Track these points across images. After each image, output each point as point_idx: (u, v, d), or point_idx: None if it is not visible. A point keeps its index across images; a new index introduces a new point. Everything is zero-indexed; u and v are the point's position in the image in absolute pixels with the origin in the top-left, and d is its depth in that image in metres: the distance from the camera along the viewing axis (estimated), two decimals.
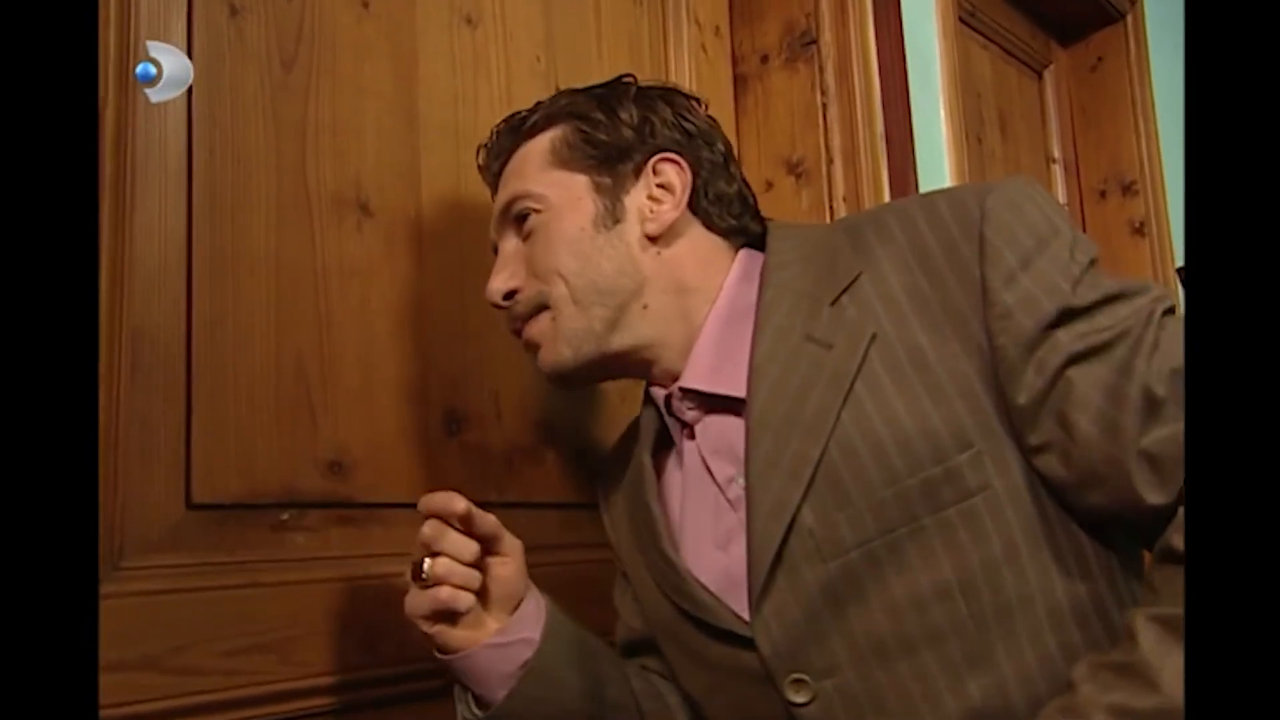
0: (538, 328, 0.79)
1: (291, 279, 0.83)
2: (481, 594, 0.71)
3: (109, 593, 0.69)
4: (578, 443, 1.05)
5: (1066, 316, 0.65)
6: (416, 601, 0.69)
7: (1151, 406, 0.61)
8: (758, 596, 0.69)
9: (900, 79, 1.36)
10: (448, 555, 0.68)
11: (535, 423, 1.02)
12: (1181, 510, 0.59)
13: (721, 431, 0.75)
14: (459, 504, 0.68)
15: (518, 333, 0.81)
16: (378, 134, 0.92)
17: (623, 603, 0.90)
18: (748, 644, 0.70)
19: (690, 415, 0.78)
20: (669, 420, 0.81)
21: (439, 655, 0.72)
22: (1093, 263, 0.67)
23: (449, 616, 0.69)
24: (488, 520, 0.70)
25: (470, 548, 0.69)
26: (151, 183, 0.75)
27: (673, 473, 0.82)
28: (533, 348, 0.80)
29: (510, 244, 0.82)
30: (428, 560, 0.68)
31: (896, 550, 0.66)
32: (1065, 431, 0.64)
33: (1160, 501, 0.61)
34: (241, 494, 0.78)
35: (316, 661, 0.78)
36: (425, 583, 0.68)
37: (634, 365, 0.80)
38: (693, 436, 0.78)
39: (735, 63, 1.40)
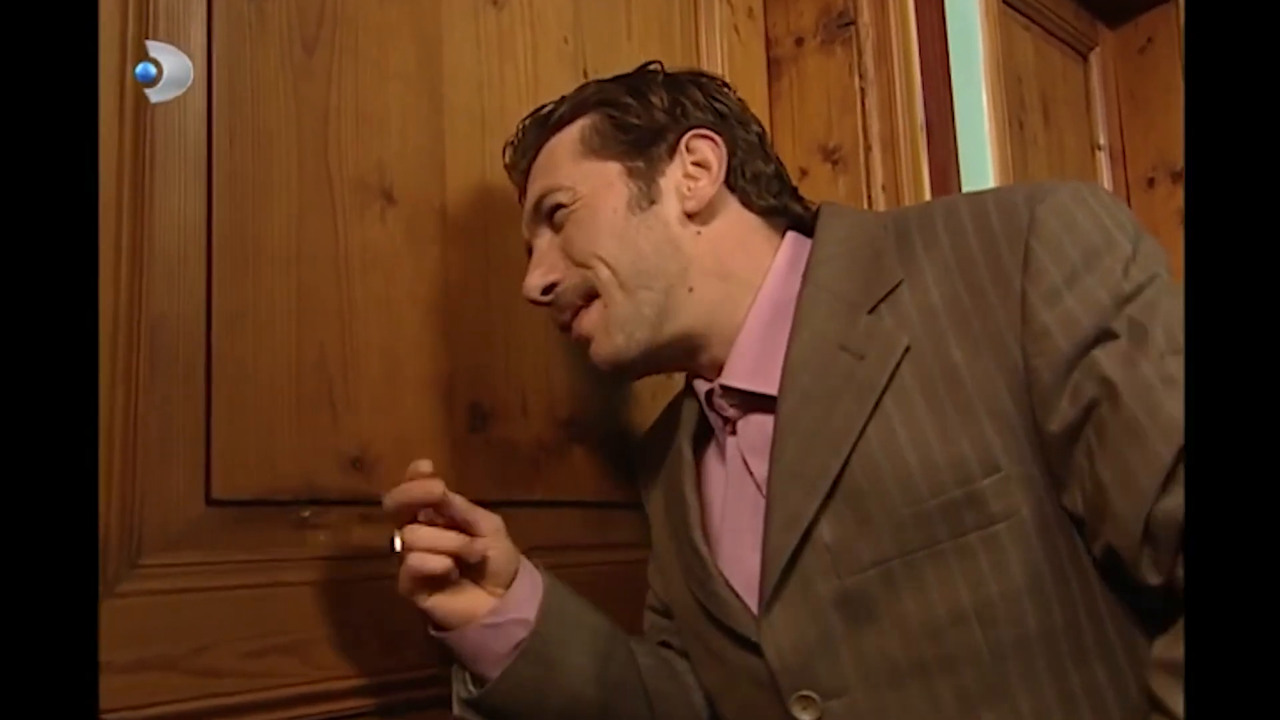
0: (589, 319, 0.79)
1: (313, 268, 0.83)
2: (472, 570, 0.72)
3: (127, 591, 0.69)
4: (606, 440, 1.04)
5: (1107, 337, 0.62)
6: (400, 579, 0.71)
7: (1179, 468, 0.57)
8: (766, 605, 0.69)
9: (942, 62, 1.34)
10: (413, 522, 0.71)
11: (563, 419, 1.01)
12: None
13: (762, 430, 0.74)
14: (423, 491, 0.70)
15: (565, 327, 0.82)
16: (401, 118, 0.91)
17: (655, 578, 0.91)
18: (759, 650, 0.70)
19: (731, 412, 0.78)
20: (711, 415, 0.81)
21: (434, 633, 0.73)
22: (1155, 279, 0.63)
23: (437, 585, 0.71)
24: (455, 504, 0.71)
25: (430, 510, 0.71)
26: (171, 169, 0.75)
27: (713, 465, 0.83)
28: (585, 342, 0.80)
29: (544, 240, 0.82)
30: (396, 534, 0.70)
31: (914, 572, 0.65)
32: (1089, 468, 0.61)
33: (1155, 582, 0.59)
34: (262, 490, 0.77)
35: (338, 664, 0.78)
36: (400, 556, 0.70)
37: (682, 355, 0.80)
38: (735, 433, 0.78)
39: (769, 45, 1.39)
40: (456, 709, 0.75)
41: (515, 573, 0.74)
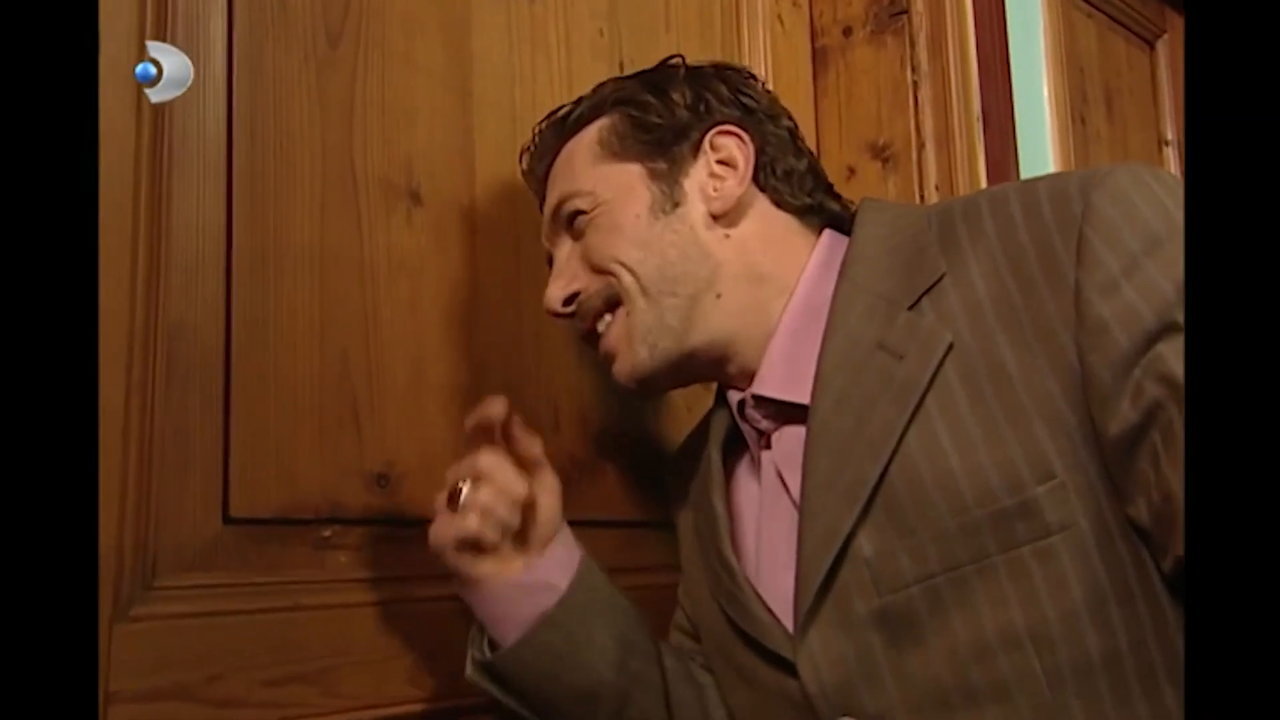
0: (613, 333, 0.79)
1: (337, 274, 0.83)
2: (516, 531, 0.72)
3: (140, 614, 0.69)
4: (641, 457, 1.04)
5: (1171, 331, 0.59)
6: (443, 528, 0.70)
7: None
8: (803, 624, 0.68)
9: (1000, 53, 1.32)
10: (497, 486, 0.70)
11: (595, 434, 1.00)
12: None
13: (798, 442, 0.73)
14: (500, 408, 0.70)
15: (589, 337, 0.81)
16: (429, 114, 0.91)
17: (684, 597, 0.90)
18: (795, 670, 0.69)
19: (765, 424, 0.77)
20: (744, 427, 0.80)
21: (459, 590, 0.73)
22: None
23: (474, 548, 0.71)
24: (534, 444, 0.72)
25: (520, 487, 0.71)
26: (189, 169, 0.76)
27: (745, 479, 0.82)
28: (609, 359, 0.80)
29: (565, 249, 0.82)
30: (467, 486, 0.69)
31: (962, 589, 0.64)
32: (1155, 475, 0.59)
33: None
34: (282, 508, 0.77)
35: (361, 693, 0.78)
36: (457, 508, 0.69)
37: (711, 364, 0.79)
38: (769, 446, 0.77)
39: (815, 36, 1.38)
40: (470, 671, 0.74)
41: (554, 537, 0.75)
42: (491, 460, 0.70)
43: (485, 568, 0.72)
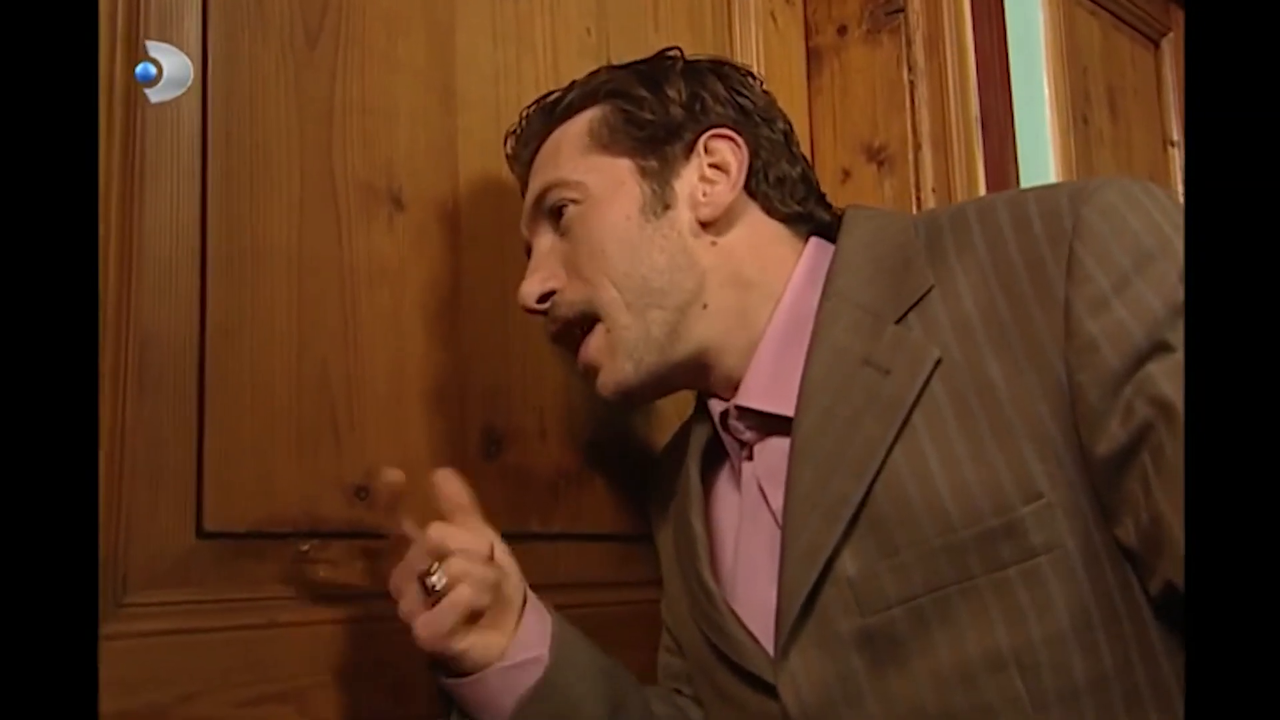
0: (594, 346, 0.78)
1: (315, 279, 0.83)
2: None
3: (111, 633, 0.69)
4: (631, 467, 1.04)
5: (1162, 350, 0.60)
6: (435, 617, 0.67)
7: None
8: (784, 646, 0.69)
9: (999, 52, 1.33)
10: (460, 552, 0.67)
11: (584, 443, 1.00)
12: None
13: (780, 455, 0.73)
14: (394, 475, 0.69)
15: (559, 338, 0.81)
16: (411, 114, 0.91)
17: (668, 615, 0.91)
18: (777, 693, 0.70)
19: (748, 435, 0.78)
20: (726, 438, 0.80)
21: (447, 681, 0.71)
22: None
23: (468, 624, 0.68)
24: (462, 494, 0.70)
25: (484, 540, 0.69)
26: (163, 171, 0.75)
27: (726, 493, 0.82)
28: (591, 373, 0.79)
29: (545, 241, 0.81)
30: (436, 568, 0.67)
31: (946, 610, 0.64)
32: (1145, 497, 0.60)
33: None
34: (258, 521, 0.77)
35: (339, 714, 0.78)
36: (438, 594, 0.67)
37: (695, 373, 0.79)
38: (751, 458, 0.78)
39: (809, 34, 1.38)
40: None
41: (524, 602, 0.74)
42: (438, 531, 0.68)
43: (482, 651, 0.69)
